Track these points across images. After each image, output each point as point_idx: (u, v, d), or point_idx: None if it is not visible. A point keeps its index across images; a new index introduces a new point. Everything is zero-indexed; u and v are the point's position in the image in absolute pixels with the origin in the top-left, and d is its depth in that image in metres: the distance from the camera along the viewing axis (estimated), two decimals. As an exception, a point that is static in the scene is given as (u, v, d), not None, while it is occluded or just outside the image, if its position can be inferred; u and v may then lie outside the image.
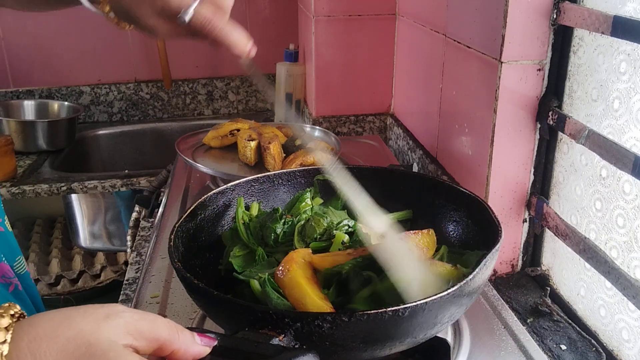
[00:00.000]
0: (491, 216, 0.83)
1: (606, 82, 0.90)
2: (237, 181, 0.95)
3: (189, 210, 0.85)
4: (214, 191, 0.91)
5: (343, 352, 0.65)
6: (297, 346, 0.61)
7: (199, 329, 0.54)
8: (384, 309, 0.61)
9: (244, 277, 0.81)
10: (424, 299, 0.63)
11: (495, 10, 1.01)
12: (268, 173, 0.99)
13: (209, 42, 0.69)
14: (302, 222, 0.88)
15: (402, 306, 0.62)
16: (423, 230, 0.89)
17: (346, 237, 0.84)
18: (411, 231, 0.88)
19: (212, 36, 0.68)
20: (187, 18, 0.66)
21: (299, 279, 0.73)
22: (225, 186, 0.93)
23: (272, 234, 0.86)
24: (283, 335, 0.60)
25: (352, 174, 0.99)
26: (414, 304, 0.62)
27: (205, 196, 0.90)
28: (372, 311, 0.61)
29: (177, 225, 0.81)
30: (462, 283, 0.66)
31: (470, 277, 0.67)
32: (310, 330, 0.61)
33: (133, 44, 2.26)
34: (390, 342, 0.65)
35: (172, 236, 0.78)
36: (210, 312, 0.74)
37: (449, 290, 0.64)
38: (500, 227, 0.79)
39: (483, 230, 0.86)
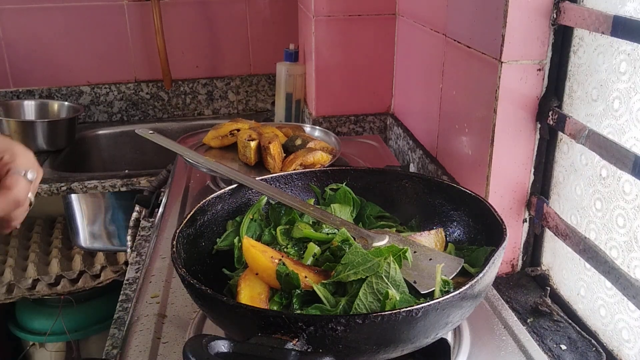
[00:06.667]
0: (494, 215, 0.83)
1: (606, 82, 0.90)
2: (234, 185, 0.95)
3: (188, 216, 0.85)
4: (212, 196, 0.91)
5: (356, 355, 0.64)
6: (310, 350, 0.60)
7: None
8: (398, 309, 0.61)
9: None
10: (436, 299, 0.64)
11: (495, 10, 1.01)
12: (265, 176, 0.98)
13: None
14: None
15: (415, 306, 0.62)
16: (432, 230, 0.89)
17: (317, 249, 0.83)
18: (418, 233, 0.88)
19: None
20: None
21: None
22: (222, 190, 0.94)
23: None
24: (296, 340, 0.59)
25: (350, 175, 1.00)
26: (427, 304, 0.62)
27: (203, 201, 0.90)
28: (386, 312, 0.61)
29: (177, 231, 0.81)
30: (473, 282, 0.66)
31: (480, 275, 0.68)
32: (323, 333, 0.60)
33: (133, 44, 2.26)
34: (402, 344, 0.65)
35: (174, 242, 0.78)
36: (218, 318, 0.72)
37: (460, 290, 0.65)
38: (505, 226, 0.79)
39: (485, 230, 0.86)
